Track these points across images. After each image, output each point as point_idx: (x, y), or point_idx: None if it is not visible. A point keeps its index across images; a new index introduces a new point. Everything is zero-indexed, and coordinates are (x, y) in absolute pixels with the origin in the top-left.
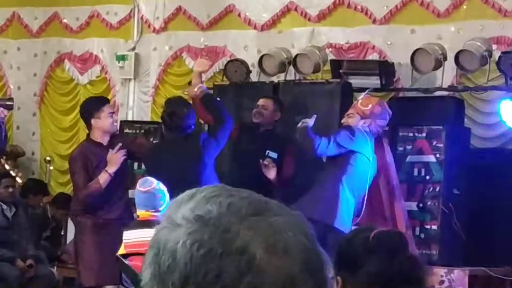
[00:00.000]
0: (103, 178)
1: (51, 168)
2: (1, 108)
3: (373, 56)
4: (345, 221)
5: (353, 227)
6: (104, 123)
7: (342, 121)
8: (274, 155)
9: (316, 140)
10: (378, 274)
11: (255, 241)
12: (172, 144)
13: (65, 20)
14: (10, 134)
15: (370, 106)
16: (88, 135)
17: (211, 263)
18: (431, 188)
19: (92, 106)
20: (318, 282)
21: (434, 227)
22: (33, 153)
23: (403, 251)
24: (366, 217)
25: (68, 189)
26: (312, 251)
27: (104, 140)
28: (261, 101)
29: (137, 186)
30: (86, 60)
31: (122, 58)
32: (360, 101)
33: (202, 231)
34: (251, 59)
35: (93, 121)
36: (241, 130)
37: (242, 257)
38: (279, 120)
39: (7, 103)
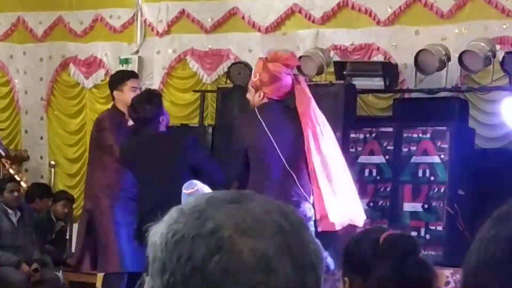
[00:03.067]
0: None
1: (57, 171)
2: None
3: (378, 58)
4: None
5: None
6: (125, 96)
7: (246, 96)
8: None
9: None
10: (389, 278)
11: (227, 223)
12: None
13: (69, 24)
14: (18, 138)
15: (257, 75)
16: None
17: (183, 247)
18: (436, 189)
19: (117, 79)
20: (298, 264)
21: (439, 228)
22: (41, 157)
23: (414, 255)
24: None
25: (76, 192)
26: (292, 234)
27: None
28: None
29: (182, 189)
30: (91, 64)
31: (125, 61)
32: (253, 70)
33: (179, 221)
34: (256, 61)
35: (115, 93)
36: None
37: (212, 238)
38: None
39: None
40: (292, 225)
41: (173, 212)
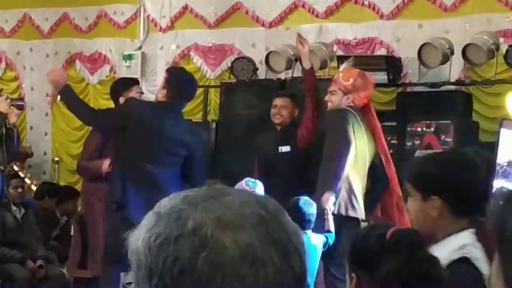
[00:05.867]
0: None
1: (60, 168)
2: (14, 111)
3: (381, 51)
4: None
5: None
6: None
7: (326, 98)
8: (286, 148)
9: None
10: (396, 273)
11: (207, 220)
12: None
13: (74, 21)
14: (23, 134)
15: (351, 80)
16: None
17: (167, 249)
18: None
19: (122, 85)
20: (283, 250)
21: None
22: (44, 153)
23: (421, 250)
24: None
25: (78, 188)
26: (273, 223)
27: None
28: (279, 101)
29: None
30: (96, 60)
31: (128, 57)
32: (341, 74)
33: (158, 224)
34: (259, 56)
35: (121, 99)
36: (261, 131)
37: (195, 237)
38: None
39: (18, 103)
40: (271, 214)
41: (149, 217)
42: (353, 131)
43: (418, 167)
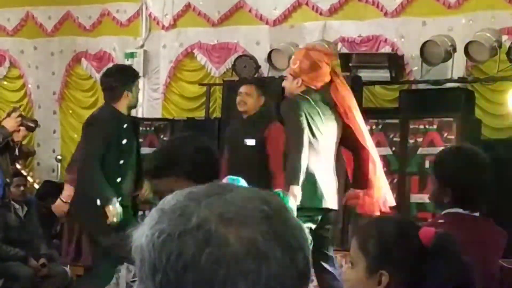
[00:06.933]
0: None
1: (63, 166)
2: (22, 131)
3: (385, 49)
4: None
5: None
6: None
7: (282, 84)
8: (251, 142)
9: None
10: (447, 280)
11: (210, 216)
12: None
13: (78, 19)
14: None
15: (298, 62)
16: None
17: (171, 245)
18: None
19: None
20: (286, 246)
21: None
22: (53, 151)
23: (461, 256)
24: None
25: None
26: (276, 219)
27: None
28: (243, 88)
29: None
30: (101, 59)
31: (130, 55)
32: (292, 58)
33: (161, 221)
34: (264, 54)
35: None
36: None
37: (199, 233)
38: (264, 104)
39: (29, 123)
40: (274, 210)
41: (153, 213)
42: (307, 119)
43: None
